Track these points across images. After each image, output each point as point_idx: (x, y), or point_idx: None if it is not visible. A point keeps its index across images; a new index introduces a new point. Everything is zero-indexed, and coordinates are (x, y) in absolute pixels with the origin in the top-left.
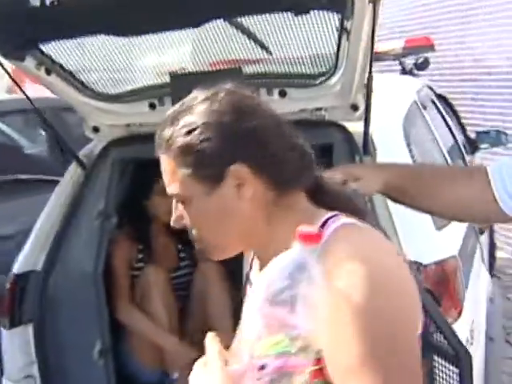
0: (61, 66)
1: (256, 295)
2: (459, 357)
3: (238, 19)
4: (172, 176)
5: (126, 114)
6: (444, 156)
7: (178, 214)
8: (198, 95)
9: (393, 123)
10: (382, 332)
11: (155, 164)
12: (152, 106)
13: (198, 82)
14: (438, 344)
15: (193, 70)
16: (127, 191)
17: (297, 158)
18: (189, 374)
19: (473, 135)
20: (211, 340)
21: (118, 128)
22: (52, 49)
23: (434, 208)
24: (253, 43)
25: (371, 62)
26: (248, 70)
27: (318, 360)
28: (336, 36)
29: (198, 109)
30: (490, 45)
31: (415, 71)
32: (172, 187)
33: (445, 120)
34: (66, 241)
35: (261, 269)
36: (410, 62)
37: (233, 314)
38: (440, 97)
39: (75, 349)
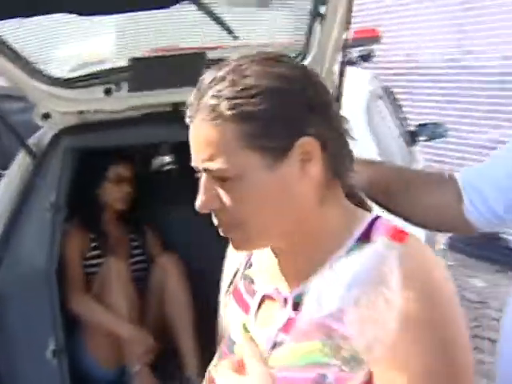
0: (9, 47)
1: (324, 298)
2: None
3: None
4: (217, 148)
5: (79, 100)
6: (400, 146)
7: (212, 195)
8: (244, 58)
9: (356, 113)
10: (444, 345)
11: (106, 151)
12: (108, 92)
13: (159, 67)
14: None
15: (153, 54)
16: (77, 180)
17: (348, 140)
18: (147, 363)
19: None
20: (249, 341)
21: (70, 115)
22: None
23: (409, 210)
24: (219, 28)
25: (345, 47)
26: (212, 55)
27: (365, 373)
28: (308, 21)
29: (255, 71)
30: (425, 40)
31: (360, 62)
32: (216, 162)
33: (390, 111)
34: (15, 234)
35: (283, 264)
36: (354, 54)
37: (193, 309)
38: (384, 89)
39: (27, 348)
